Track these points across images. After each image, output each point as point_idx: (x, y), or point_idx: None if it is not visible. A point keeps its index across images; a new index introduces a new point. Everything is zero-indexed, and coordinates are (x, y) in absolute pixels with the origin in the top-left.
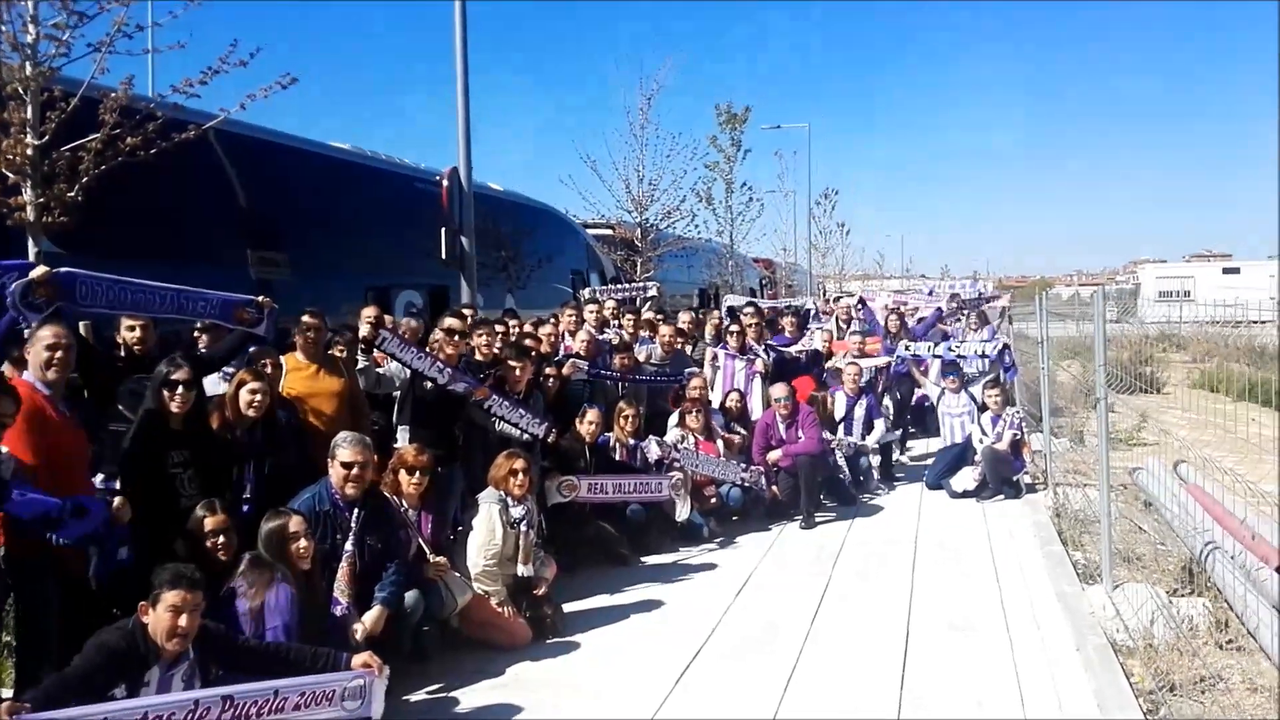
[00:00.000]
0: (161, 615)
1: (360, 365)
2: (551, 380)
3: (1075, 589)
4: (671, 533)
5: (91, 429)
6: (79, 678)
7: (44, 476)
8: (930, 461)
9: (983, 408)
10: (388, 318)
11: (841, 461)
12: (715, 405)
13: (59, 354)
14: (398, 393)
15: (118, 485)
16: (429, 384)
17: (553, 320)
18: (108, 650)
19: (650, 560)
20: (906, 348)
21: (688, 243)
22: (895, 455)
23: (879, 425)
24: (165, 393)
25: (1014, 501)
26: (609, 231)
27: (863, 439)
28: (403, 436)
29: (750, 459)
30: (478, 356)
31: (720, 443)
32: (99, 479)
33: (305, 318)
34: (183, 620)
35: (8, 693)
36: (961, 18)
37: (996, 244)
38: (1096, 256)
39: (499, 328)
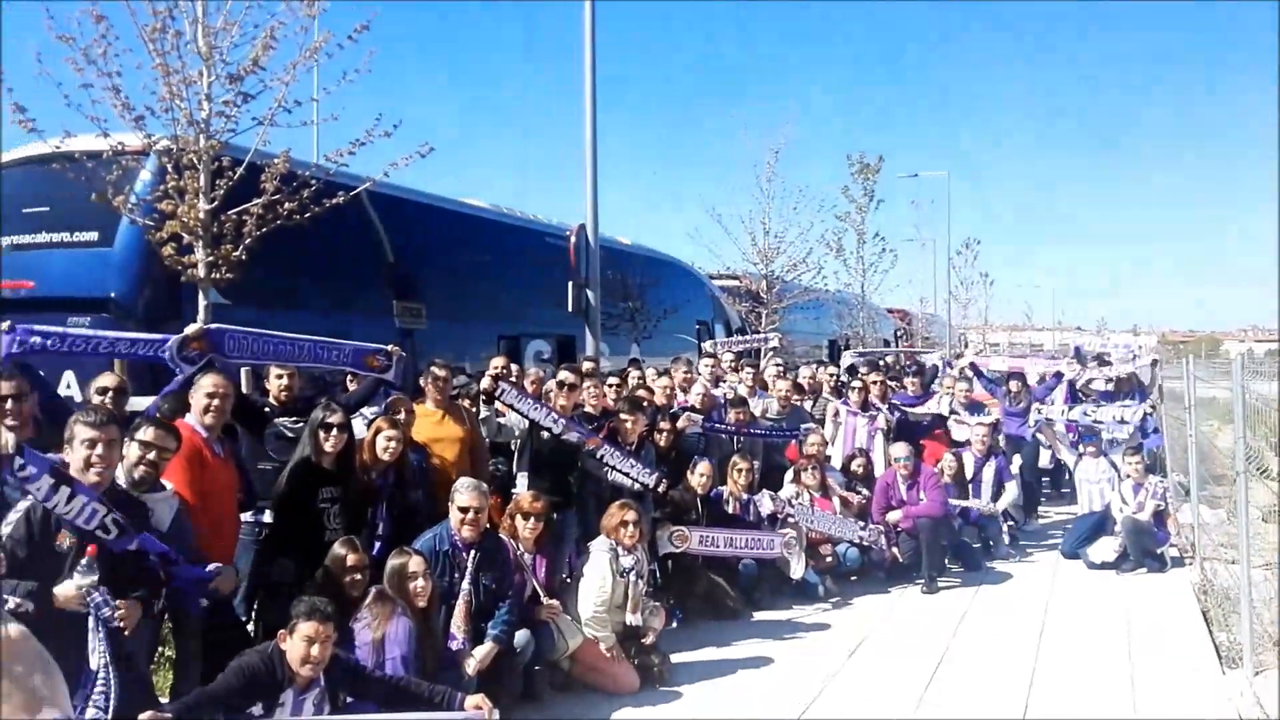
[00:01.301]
0: (297, 644)
1: (482, 415)
2: (664, 433)
3: (1214, 672)
4: (785, 589)
5: (242, 468)
6: (220, 694)
7: (199, 509)
8: (1067, 529)
9: (1124, 475)
10: (514, 366)
11: (967, 525)
12: (836, 462)
13: (217, 401)
14: (517, 441)
15: (267, 518)
16: (546, 434)
17: (669, 374)
18: (248, 672)
19: (761, 616)
20: (1039, 411)
21: (815, 294)
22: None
23: (1010, 488)
24: (320, 434)
25: (1157, 575)
26: (735, 283)
27: (992, 502)
28: (522, 483)
29: (870, 520)
30: (588, 408)
31: (837, 501)
32: (249, 515)
33: (433, 368)
34: (315, 650)
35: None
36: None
37: (1165, 296)
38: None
39: (613, 380)
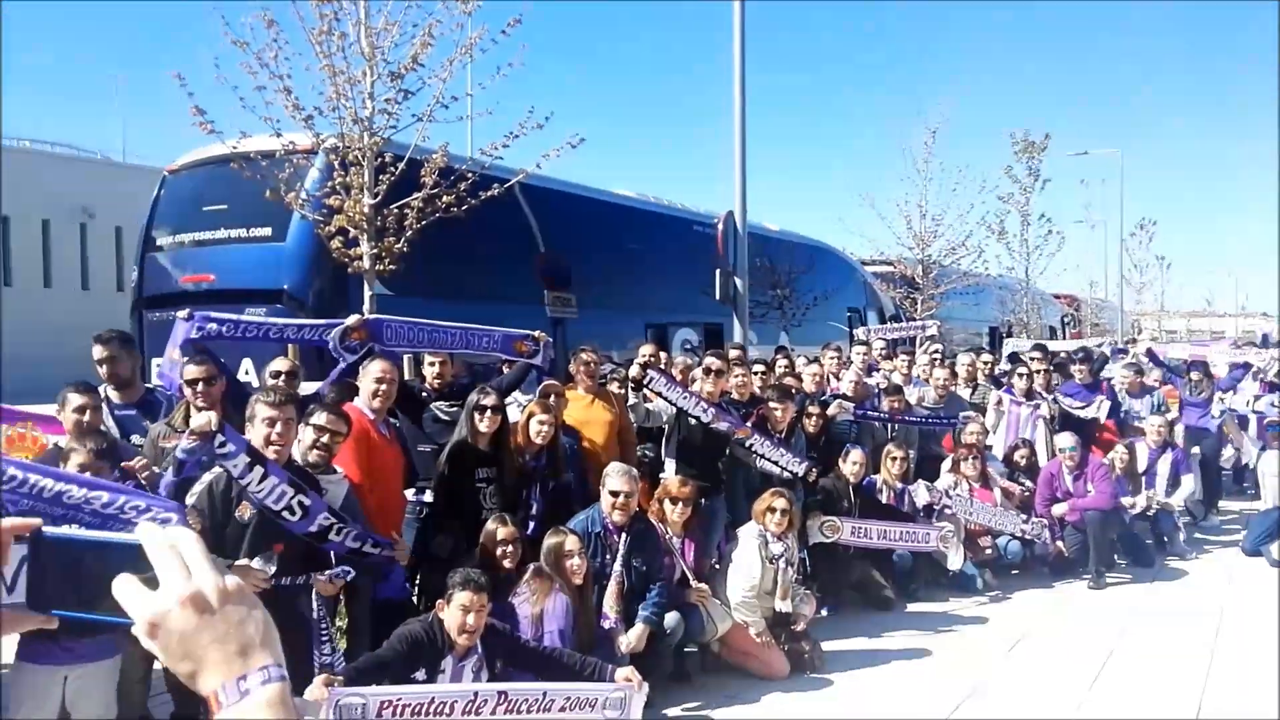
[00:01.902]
0: (454, 613)
1: (630, 401)
2: (813, 418)
3: None
4: (942, 581)
5: (406, 449)
6: (387, 660)
7: (367, 488)
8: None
9: None
10: (663, 355)
11: (1138, 519)
12: (998, 453)
13: (384, 386)
14: (665, 427)
15: (427, 497)
16: (694, 420)
17: (818, 361)
18: (411, 640)
19: (916, 608)
20: (1223, 401)
21: (975, 279)
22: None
23: (1186, 481)
24: (475, 416)
25: None
26: (889, 268)
27: (1167, 495)
28: (670, 468)
29: (1033, 512)
30: (735, 396)
31: (998, 491)
32: (410, 492)
33: (582, 353)
34: (470, 619)
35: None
36: None
37: None
38: None
39: (758, 367)
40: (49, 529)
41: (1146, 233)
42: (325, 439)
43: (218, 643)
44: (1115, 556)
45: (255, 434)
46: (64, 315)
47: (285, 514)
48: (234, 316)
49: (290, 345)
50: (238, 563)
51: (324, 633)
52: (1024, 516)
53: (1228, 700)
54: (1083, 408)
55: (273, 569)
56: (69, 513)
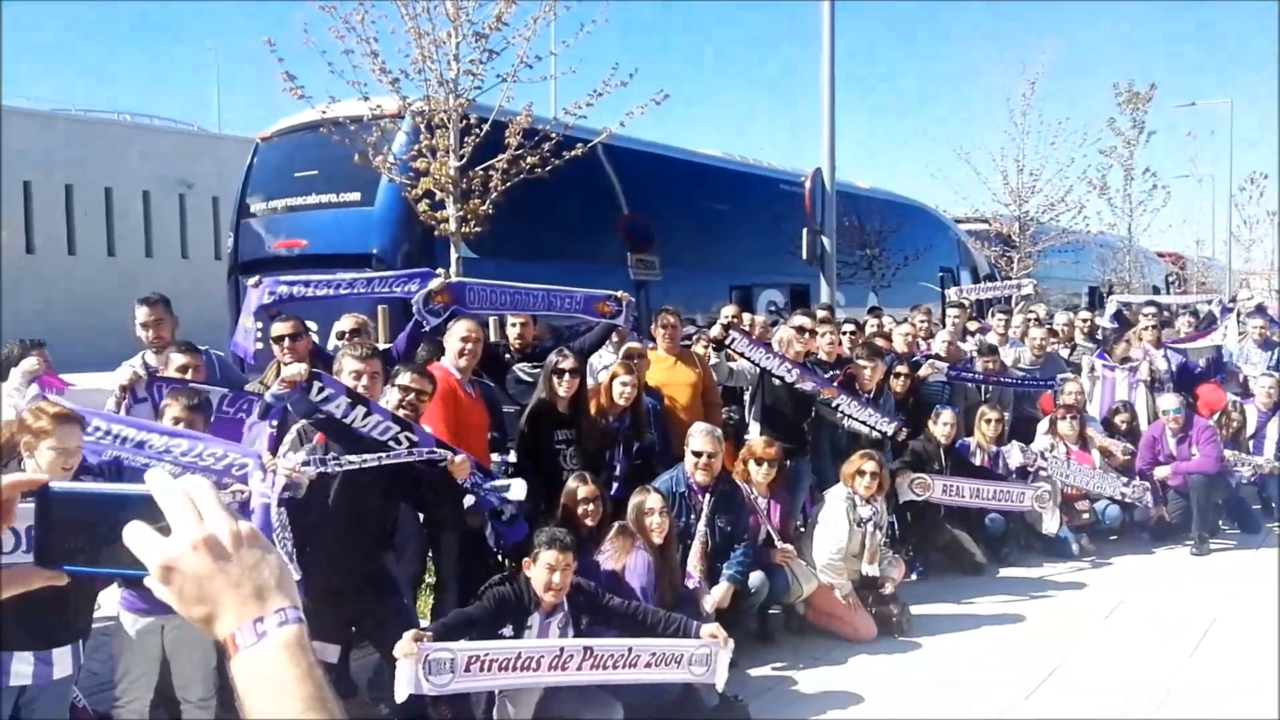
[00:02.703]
0: (540, 571)
1: (713, 362)
2: (901, 378)
3: None
4: (1036, 546)
5: (492, 409)
6: (475, 617)
7: (456, 444)
8: None
9: None
10: (746, 316)
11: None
12: (1094, 417)
13: (470, 345)
14: (749, 388)
15: (512, 458)
16: (778, 381)
17: (911, 322)
18: (498, 597)
19: (1009, 572)
20: None
21: (1074, 236)
22: None
23: None
24: (554, 378)
25: None
26: (984, 226)
27: (1276, 459)
28: (754, 429)
29: (1134, 476)
30: (822, 356)
31: (1096, 454)
32: (496, 456)
33: (665, 314)
34: (556, 577)
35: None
36: None
37: None
38: None
39: (848, 327)
40: (56, 484)
41: (1257, 187)
42: (411, 398)
43: (233, 586)
44: (1220, 522)
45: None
46: (166, 284)
47: (391, 443)
48: (303, 277)
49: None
50: (278, 457)
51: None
52: (1124, 479)
53: None
54: (1201, 336)
55: (313, 469)
56: (151, 460)
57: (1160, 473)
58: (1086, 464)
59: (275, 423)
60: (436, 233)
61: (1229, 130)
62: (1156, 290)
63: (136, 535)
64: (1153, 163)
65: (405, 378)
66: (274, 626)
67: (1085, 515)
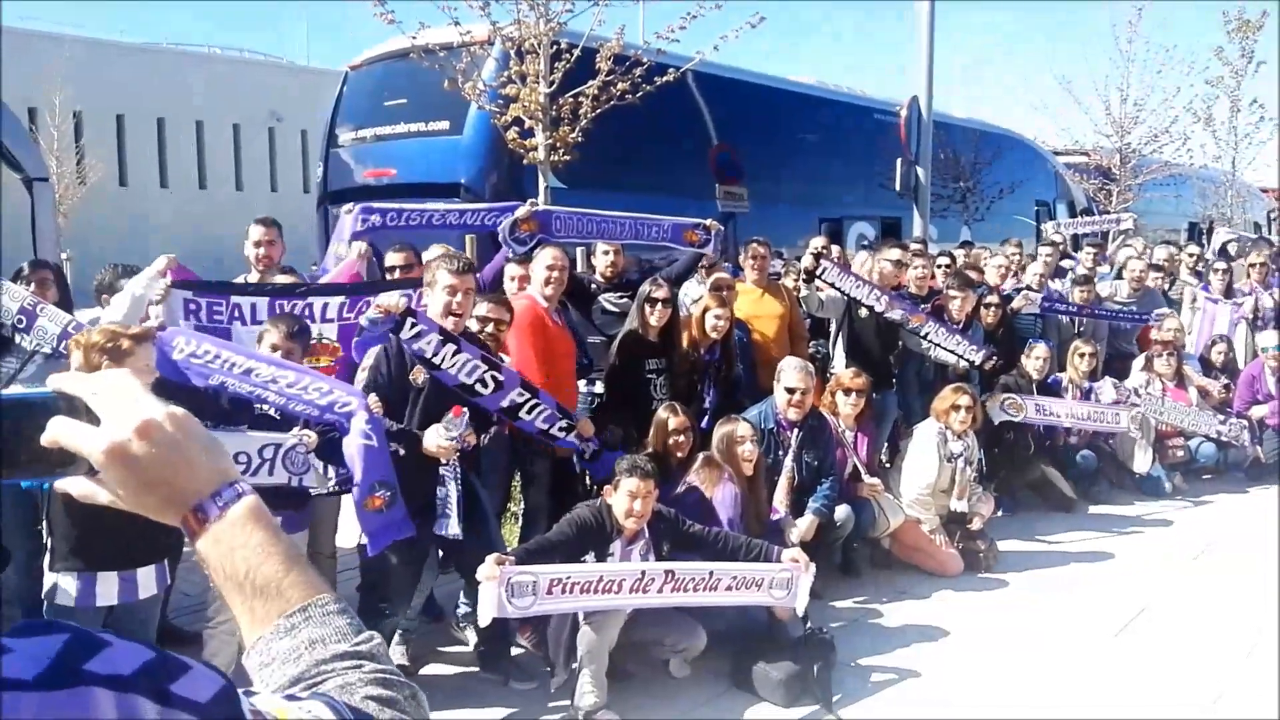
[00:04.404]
0: (621, 498)
1: (804, 294)
2: (992, 309)
3: None
4: (1126, 484)
5: (578, 338)
6: (558, 542)
7: (543, 373)
8: None
9: None
10: (835, 249)
11: None
12: (1193, 353)
13: (555, 273)
14: (834, 323)
15: (598, 388)
16: (865, 312)
17: (1004, 254)
18: (581, 523)
19: (1098, 510)
20: None
21: (1176, 169)
22: None
23: None
24: (646, 308)
25: None
26: (1083, 159)
27: None
28: (840, 361)
29: (1231, 414)
30: (913, 289)
31: (1193, 391)
32: (582, 384)
33: (754, 245)
34: (637, 505)
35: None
36: None
37: None
38: None
39: (942, 260)
40: None
41: None
42: (490, 328)
43: (185, 464)
44: None
45: (435, 300)
46: (256, 216)
47: (478, 386)
48: (396, 205)
49: (455, 232)
50: (428, 432)
51: (446, 511)
52: (1221, 417)
53: None
54: None
55: (459, 430)
56: (257, 389)
57: (1258, 412)
58: (1182, 401)
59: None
60: (525, 161)
61: None
62: (1258, 227)
63: (66, 429)
64: (1261, 94)
65: (483, 307)
66: (234, 497)
67: (1179, 453)
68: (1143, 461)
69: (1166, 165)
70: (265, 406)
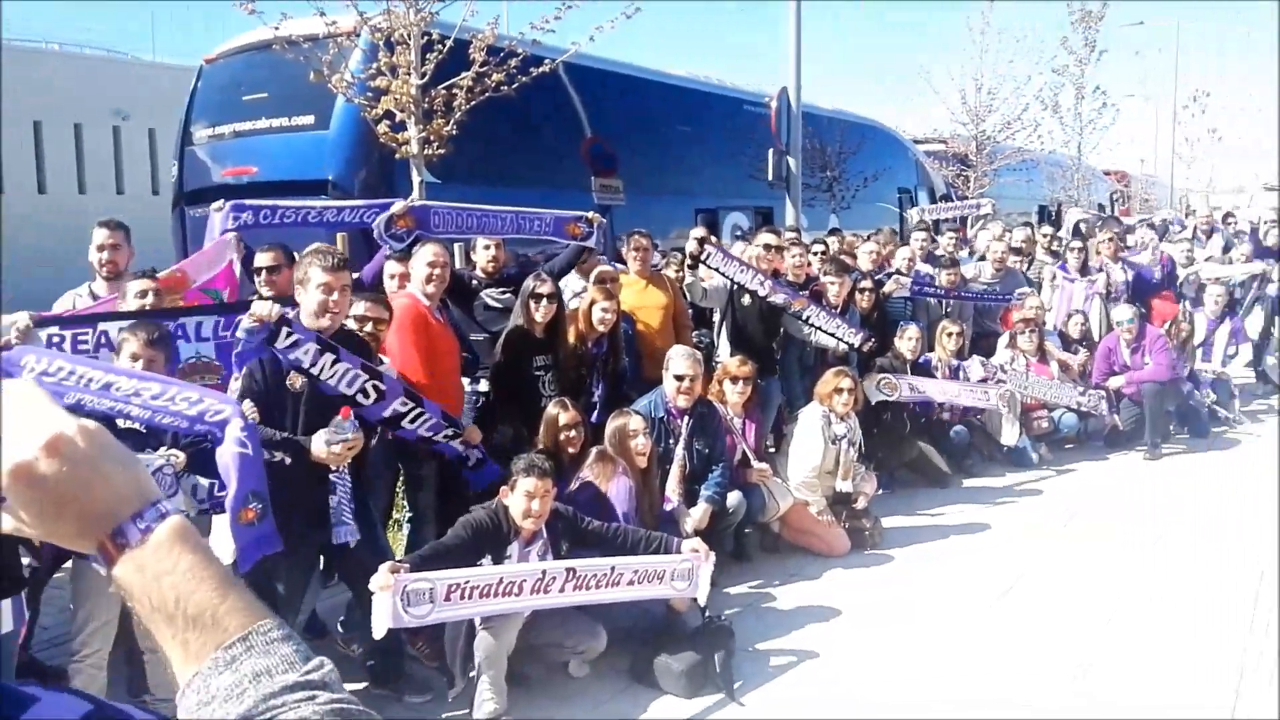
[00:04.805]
0: (518, 499)
1: (688, 281)
2: (866, 293)
3: None
4: (996, 456)
5: (461, 336)
6: (452, 547)
7: (427, 372)
8: None
9: None
10: (713, 239)
11: (1198, 390)
12: (1052, 328)
13: (437, 270)
14: (717, 314)
15: (483, 387)
16: (748, 299)
17: (875, 240)
18: (476, 526)
19: (972, 483)
20: None
21: (1028, 155)
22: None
23: (1244, 351)
24: (531, 304)
25: None
26: (941, 147)
27: (1224, 365)
28: (724, 350)
29: (1089, 386)
30: (790, 276)
31: (1055, 365)
32: (466, 382)
33: (636, 237)
34: (535, 504)
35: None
36: None
37: None
38: None
39: (817, 248)
40: None
41: (1199, 104)
42: (369, 328)
43: (102, 484)
44: (1171, 428)
45: (308, 299)
46: (100, 219)
47: (359, 397)
48: (270, 202)
49: (333, 230)
50: (315, 438)
51: (342, 519)
52: (1081, 389)
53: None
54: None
55: (348, 433)
56: (118, 404)
57: (1115, 382)
58: (1045, 375)
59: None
60: (397, 156)
61: (1175, 49)
62: (1102, 208)
63: None
64: (1103, 82)
65: (360, 306)
66: (156, 520)
67: (1044, 425)
68: (1011, 434)
69: (1019, 151)
70: (129, 421)
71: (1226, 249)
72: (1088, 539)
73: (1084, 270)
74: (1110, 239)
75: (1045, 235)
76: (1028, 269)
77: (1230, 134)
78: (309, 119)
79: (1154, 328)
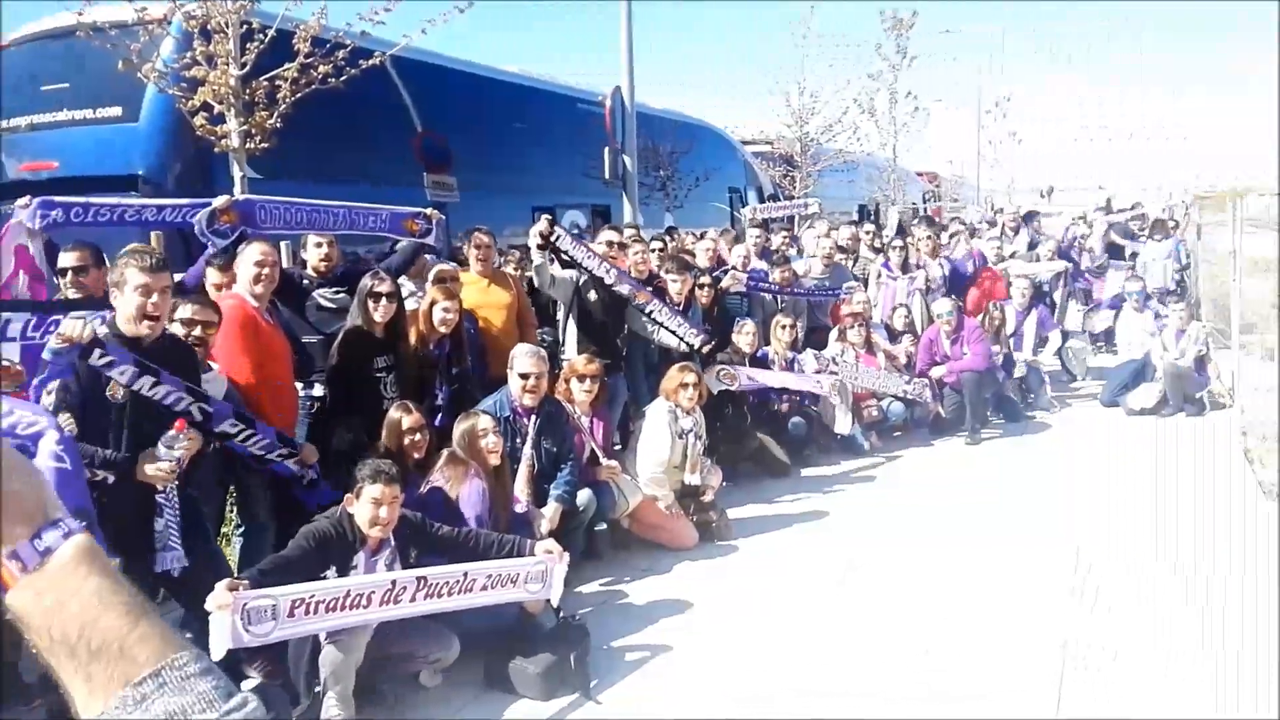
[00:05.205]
0: (365, 507)
1: (537, 263)
2: (705, 289)
3: (1258, 506)
4: (831, 446)
5: (293, 338)
6: (294, 559)
7: (258, 377)
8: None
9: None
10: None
11: (1011, 377)
12: (879, 321)
13: (265, 270)
14: (564, 306)
15: (317, 391)
16: (593, 294)
17: (711, 238)
18: (319, 537)
19: (810, 472)
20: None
21: (849, 157)
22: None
23: (1053, 338)
24: (370, 303)
25: (1196, 419)
26: (767, 147)
27: (1035, 354)
28: (570, 347)
29: (914, 375)
30: (633, 273)
31: (882, 356)
32: (300, 386)
33: (478, 234)
34: (383, 512)
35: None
36: None
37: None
38: None
39: (656, 244)
40: None
41: (1001, 109)
42: (196, 331)
43: None
44: (988, 414)
45: (125, 303)
46: None
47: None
48: (83, 200)
49: (149, 229)
50: (143, 456)
51: (169, 544)
52: (906, 378)
53: (1099, 532)
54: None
55: (182, 448)
56: None
57: (937, 372)
58: (873, 366)
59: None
60: (216, 150)
61: (986, 55)
62: (915, 207)
63: None
64: (915, 87)
65: (185, 310)
66: (58, 539)
67: (874, 413)
68: (844, 423)
69: (840, 153)
70: None
71: (1032, 245)
72: (920, 522)
73: (905, 267)
74: (929, 237)
75: (868, 233)
76: (854, 266)
77: (1029, 137)
78: (117, 110)
79: (971, 320)
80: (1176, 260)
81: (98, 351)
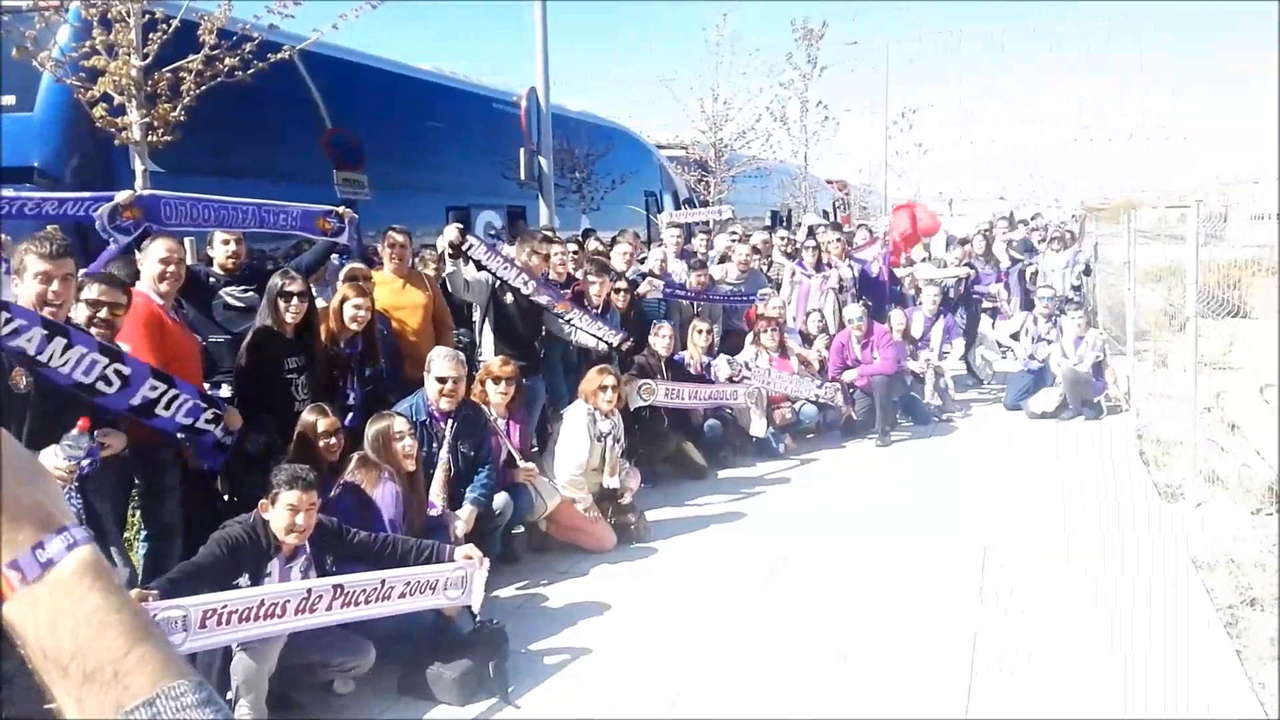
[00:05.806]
0: (280, 513)
1: (449, 270)
2: (622, 293)
3: (1156, 507)
4: (747, 448)
5: (199, 339)
6: (206, 566)
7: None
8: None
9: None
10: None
11: (920, 380)
12: (791, 320)
13: (171, 267)
14: (480, 308)
15: (224, 392)
16: (510, 297)
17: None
18: (232, 543)
19: (726, 474)
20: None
21: (761, 164)
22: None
23: (958, 344)
24: (281, 303)
25: (1094, 423)
26: (682, 152)
27: (940, 358)
28: (487, 349)
29: (825, 379)
30: (553, 275)
31: (795, 360)
32: (207, 387)
33: (392, 234)
34: (299, 519)
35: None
36: None
37: (1084, 164)
38: (1188, 174)
39: (572, 246)
40: None
41: (907, 120)
42: (104, 313)
43: None
44: (897, 416)
45: (25, 291)
46: None
47: (100, 384)
48: None
49: (49, 223)
50: (43, 456)
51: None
52: (818, 382)
53: (1005, 533)
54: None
55: (84, 449)
56: None
57: (848, 375)
58: (786, 371)
59: None
60: (116, 142)
61: (885, 68)
62: (826, 214)
63: None
64: (825, 96)
65: (92, 290)
66: (61, 550)
67: (787, 416)
68: (759, 426)
69: (753, 160)
70: None
71: (945, 247)
72: (834, 523)
73: (818, 267)
74: (839, 239)
75: (782, 239)
76: (768, 270)
77: (934, 148)
78: (10, 99)
79: (881, 325)
80: (1075, 269)
81: (3, 315)
